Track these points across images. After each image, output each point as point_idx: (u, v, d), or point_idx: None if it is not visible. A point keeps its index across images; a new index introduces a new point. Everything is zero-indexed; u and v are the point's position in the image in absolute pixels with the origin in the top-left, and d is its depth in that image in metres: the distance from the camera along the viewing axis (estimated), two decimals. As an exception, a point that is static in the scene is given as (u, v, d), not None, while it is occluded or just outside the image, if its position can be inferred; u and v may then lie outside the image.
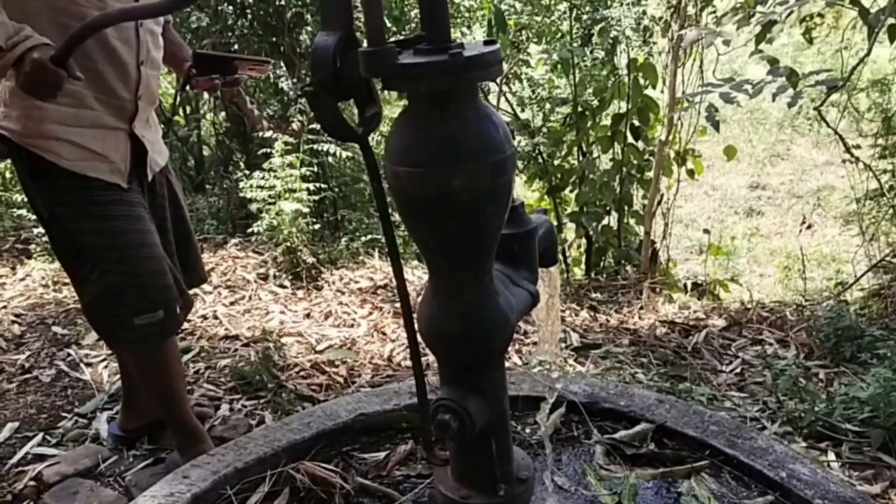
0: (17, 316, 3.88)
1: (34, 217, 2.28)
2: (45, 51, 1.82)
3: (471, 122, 1.15)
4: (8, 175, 5.79)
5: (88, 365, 3.35)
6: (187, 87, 2.41)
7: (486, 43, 1.16)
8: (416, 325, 1.33)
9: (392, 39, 1.17)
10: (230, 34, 5.23)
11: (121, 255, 2.17)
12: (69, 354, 3.45)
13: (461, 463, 1.44)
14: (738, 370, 3.36)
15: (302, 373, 3.24)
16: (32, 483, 2.54)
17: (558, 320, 3.36)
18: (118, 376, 3.12)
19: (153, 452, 2.68)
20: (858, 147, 4.53)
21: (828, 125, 4.40)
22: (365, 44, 1.13)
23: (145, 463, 2.63)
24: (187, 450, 2.44)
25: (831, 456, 2.53)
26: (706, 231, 5.79)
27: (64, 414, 3.00)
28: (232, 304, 4.06)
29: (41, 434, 2.85)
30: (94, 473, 2.58)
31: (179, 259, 2.51)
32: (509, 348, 3.51)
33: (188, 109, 6.50)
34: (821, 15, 4.24)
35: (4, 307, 3.99)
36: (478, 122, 1.16)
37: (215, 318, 3.87)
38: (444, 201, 1.16)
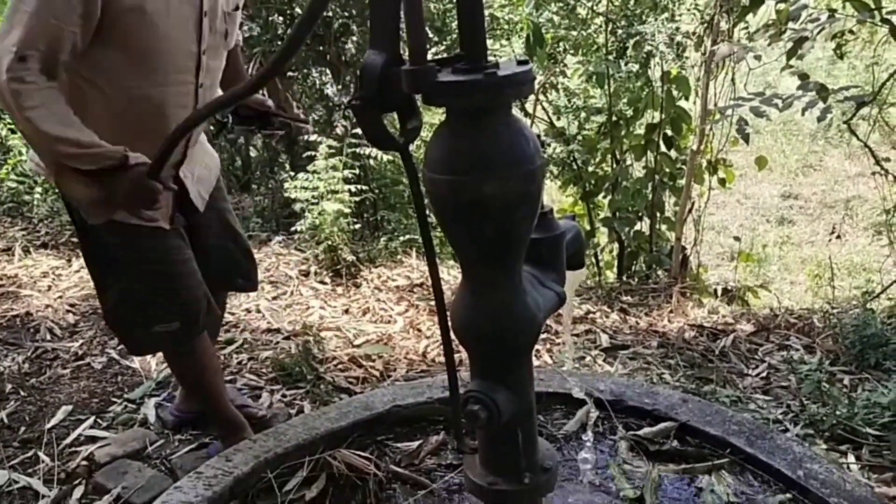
0: (71, 306, 4.04)
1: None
2: (142, 167, 1.91)
3: (503, 135, 1.22)
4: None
5: (138, 354, 3.48)
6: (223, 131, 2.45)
7: (519, 63, 1.25)
8: (449, 322, 1.42)
9: (433, 50, 1.26)
10: (280, 43, 5.37)
11: (144, 272, 2.23)
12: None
13: (489, 451, 1.51)
14: (763, 374, 3.40)
15: (340, 366, 3.34)
16: (84, 463, 2.67)
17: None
18: (165, 365, 3.26)
19: (198, 437, 2.79)
20: (888, 160, 4.53)
21: (858, 138, 4.41)
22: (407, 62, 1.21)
23: (190, 447, 2.74)
24: (228, 437, 2.54)
25: (851, 458, 2.57)
26: (737, 238, 5.79)
27: (114, 399, 3.13)
28: (274, 298, 4.19)
29: (93, 417, 2.98)
30: (142, 455, 2.70)
31: (243, 267, 2.60)
32: (540, 347, 3.60)
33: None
34: (852, 31, 4.26)
35: (60, 297, 4.15)
36: (510, 135, 1.23)
37: (258, 311, 4.00)
38: (478, 207, 1.23)
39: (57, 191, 2.36)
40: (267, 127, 2.38)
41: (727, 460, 2.14)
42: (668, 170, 5.06)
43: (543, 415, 2.39)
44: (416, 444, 2.30)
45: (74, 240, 4.93)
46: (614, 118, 5.19)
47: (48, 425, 2.93)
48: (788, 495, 2.00)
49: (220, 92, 2.28)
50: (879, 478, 2.46)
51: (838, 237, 6.11)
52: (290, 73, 5.53)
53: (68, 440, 2.84)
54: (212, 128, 2.46)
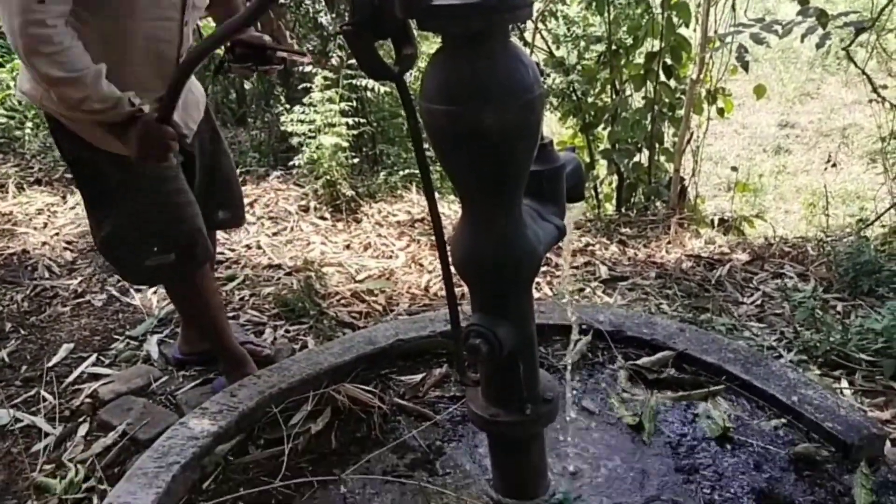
0: (68, 243, 4.03)
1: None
2: (150, 114, 1.89)
3: (501, 63, 1.19)
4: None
5: (138, 290, 3.48)
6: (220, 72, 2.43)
7: (517, -14, 1.21)
8: (449, 256, 1.42)
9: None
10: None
11: (139, 202, 2.20)
12: (119, 280, 3.57)
13: (491, 384, 1.54)
14: (758, 302, 3.43)
15: (342, 301, 3.35)
16: (88, 400, 2.69)
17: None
18: (167, 301, 3.28)
19: (202, 374, 2.81)
20: (885, 87, 4.51)
21: (856, 65, 4.38)
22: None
23: (195, 383, 2.76)
24: (232, 373, 2.55)
25: (844, 384, 2.61)
26: (734, 168, 5.77)
27: (116, 336, 3.14)
28: (274, 234, 4.18)
29: (95, 355, 2.99)
30: (147, 392, 2.72)
31: (222, 199, 2.59)
32: (541, 279, 3.62)
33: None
34: (852, -44, 4.20)
35: (56, 234, 4.14)
36: (508, 63, 1.20)
37: (259, 247, 4.00)
38: (476, 138, 1.21)
39: (48, 126, 2.32)
40: (265, 63, 2.35)
41: (723, 387, 2.19)
42: (667, 100, 5.01)
43: (544, 346, 2.42)
44: (419, 377, 2.35)
45: (68, 176, 4.89)
46: (614, 47, 5.11)
47: (50, 364, 2.95)
48: (783, 420, 2.05)
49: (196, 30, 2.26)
50: (872, 402, 2.51)
51: (834, 165, 6.10)
52: (282, 2, 5.42)
53: (70, 378, 2.86)
54: (207, 72, 2.43)
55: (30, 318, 3.32)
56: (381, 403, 2.18)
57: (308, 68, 4.57)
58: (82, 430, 2.55)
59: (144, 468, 1.89)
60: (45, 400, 2.72)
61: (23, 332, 3.20)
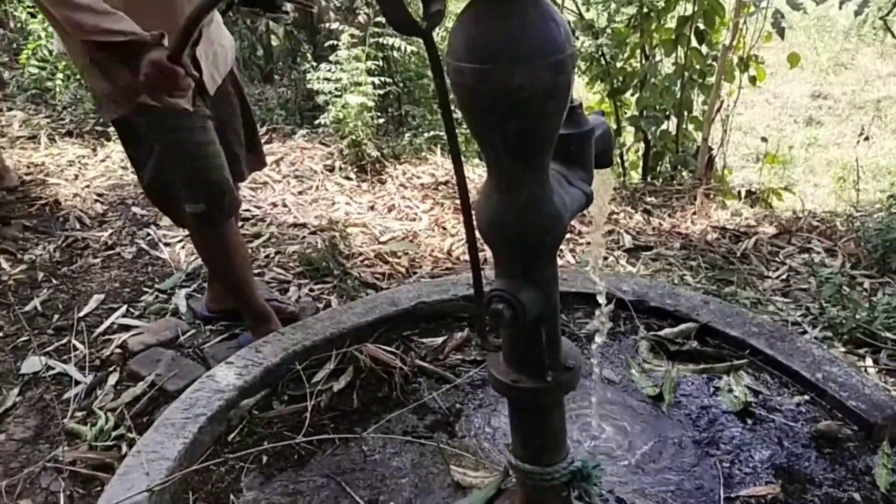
0: (99, 195, 4.08)
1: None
2: (161, 50, 1.85)
3: (532, 21, 1.15)
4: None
5: (167, 245, 3.54)
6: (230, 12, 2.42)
7: (549, -61, 1.18)
8: (474, 220, 1.42)
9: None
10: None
11: (169, 152, 2.26)
12: (148, 234, 3.65)
13: (513, 350, 1.54)
14: (784, 276, 3.42)
15: (366, 261, 3.38)
16: (118, 350, 2.76)
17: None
18: (195, 256, 3.32)
19: (228, 328, 2.86)
20: (922, 59, 4.43)
21: (893, 35, 4.30)
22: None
23: (221, 337, 2.82)
24: (257, 329, 2.60)
25: (869, 362, 2.60)
26: (764, 139, 5.69)
27: (145, 289, 3.20)
28: (300, 193, 4.20)
29: (125, 306, 3.05)
30: (175, 344, 2.78)
31: (246, 146, 2.61)
32: (563, 247, 3.62)
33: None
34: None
35: (87, 186, 4.19)
36: (539, 21, 1.15)
37: (284, 205, 4.03)
38: (505, 99, 1.17)
39: (80, 78, 2.35)
40: (272, 9, 2.35)
41: (746, 361, 2.18)
42: (698, 66, 4.93)
43: (566, 314, 2.42)
44: (440, 339, 2.37)
45: (98, 128, 4.94)
46: (645, 10, 5.02)
47: (81, 314, 3.01)
48: (806, 396, 2.04)
49: None
50: (897, 381, 2.50)
51: (866, 139, 6.00)
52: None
53: (101, 328, 2.92)
54: (236, 25, 2.43)
55: (61, 268, 3.38)
56: (403, 364, 2.20)
57: (335, 25, 4.55)
58: (112, 379, 2.61)
59: (172, 419, 1.93)
60: (76, 349, 2.79)
61: (55, 281, 3.27)
